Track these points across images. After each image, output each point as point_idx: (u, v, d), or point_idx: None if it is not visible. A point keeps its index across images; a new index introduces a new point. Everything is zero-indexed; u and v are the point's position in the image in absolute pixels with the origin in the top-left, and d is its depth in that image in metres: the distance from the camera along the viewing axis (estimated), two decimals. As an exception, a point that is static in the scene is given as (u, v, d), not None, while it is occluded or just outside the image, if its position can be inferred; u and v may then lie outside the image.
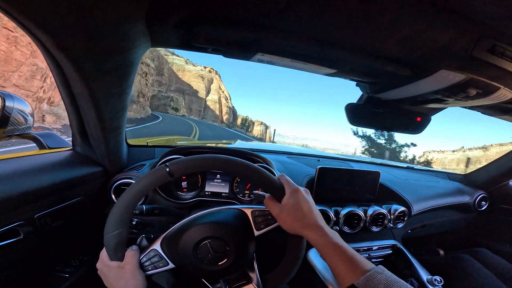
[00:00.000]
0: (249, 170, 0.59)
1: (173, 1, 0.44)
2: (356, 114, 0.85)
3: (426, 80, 0.60)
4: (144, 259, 0.61)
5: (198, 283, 0.68)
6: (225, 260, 0.62)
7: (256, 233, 0.64)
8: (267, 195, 0.63)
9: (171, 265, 0.61)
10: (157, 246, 0.62)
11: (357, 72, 0.67)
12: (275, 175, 1.01)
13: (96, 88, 0.58)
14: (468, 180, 1.65)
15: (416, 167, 1.81)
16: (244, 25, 0.49)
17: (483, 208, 1.52)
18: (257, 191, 0.69)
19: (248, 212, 0.65)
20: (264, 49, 0.57)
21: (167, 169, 0.56)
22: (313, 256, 1.01)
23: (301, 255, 0.62)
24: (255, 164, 0.61)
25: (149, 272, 0.60)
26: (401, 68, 0.58)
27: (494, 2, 0.39)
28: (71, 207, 0.79)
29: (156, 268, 0.61)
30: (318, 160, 1.57)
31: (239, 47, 0.57)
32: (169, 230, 0.64)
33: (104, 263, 0.58)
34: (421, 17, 0.43)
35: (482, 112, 0.92)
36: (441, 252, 1.55)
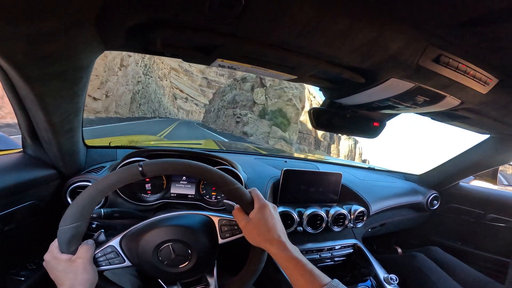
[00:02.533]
0: (223, 181, 0.61)
1: (125, 7, 0.44)
2: (319, 118, 0.91)
3: (379, 87, 0.65)
4: (99, 254, 0.61)
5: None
6: (186, 263, 0.64)
7: (221, 241, 0.67)
8: (236, 206, 0.66)
9: (127, 263, 0.62)
10: (115, 242, 0.62)
11: (317, 78, 0.71)
12: (241, 178, 1.03)
13: (44, 92, 0.57)
14: (422, 180, 1.79)
15: (376, 167, 1.94)
16: (200, 32, 0.49)
17: (435, 207, 1.66)
18: (227, 201, 0.71)
19: (216, 220, 0.68)
20: (223, 55, 0.58)
21: (140, 169, 0.56)
22: None
23: (260, 267, 0.66)
24: (218, 167, 0.63)
25: (102, 268, 0.60)
26: (356, 76, 0.63)
27: (441, 10, 0.42)
28: (23, 211, 0.76)
29: (111, 265, 0.61)
30: (286, 161, 1.63)
31: (197, 52, 0.58)
32: (132, 228, 0.64)
33: (54, 255, 0.57)
34: (372, 26, 0.47)
35: (432, 118, 1.02)
36: (399, 250, 1.68)
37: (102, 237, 0.66)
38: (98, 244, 0.62)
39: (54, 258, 0.57)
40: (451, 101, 0.72)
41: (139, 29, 0.49)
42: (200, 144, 2.00)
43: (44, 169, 0.84)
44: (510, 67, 0.59)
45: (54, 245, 0.58)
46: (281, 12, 0.43)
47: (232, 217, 0.66)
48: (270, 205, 0.64)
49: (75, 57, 0.52)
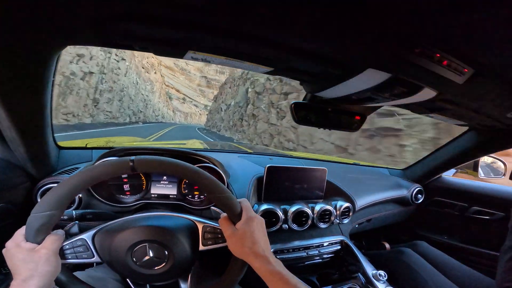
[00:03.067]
0: (214, 187, 0.61)
1: (80, 1, 0.43)
2: (301, 113, 0.91)
3: (356, 78, 0.65)
4: (67, 246, 0.59)
5: None
6: (161, 266, 0.63)
7: (201, 247, 0.66)
8: (223, 214, 0.65)
9: (96, 259, 0.60)
10: (87, 236, 0.60)
11: (294, 71, 0.70)
12: (222, 176, 1.02)
13: (2, 87, 0.55)
14: (406, 174, 1.83)
15: (361, 163, 1.97)
16: (167, 24, 0.48)
17: (419, 201, 1.69)
18: (214, 208, 0.71)
19: (200, 225, 0.67)
20: (195, 47, 0.57)
21: (131, 164, 0.55)
22: None
23: (237, 279, 0.66)
24: (198, 165, 0.62)
25: (67, 261, 0.59)
26: (333, 67, 0.63)
27: None
28: None
29: (77, 258, 0.59)
30: (271, 159, 1.63)
31: (167, 45, 0.57)
32: (109, 223, 0.63)
33: (17, 242, 0.55)
34: (348, 14, 0.46)
35: (411, 111, 1.04)
36: (387, 245, 1.70)
37: (75, 229, 0.64)
38: (69, 235, 0.61)
39: (17, 246, 0.54)
40: (427, 92, 0.73)
41: (99, 22, 0.48)
42: (185, 144, 1.98)
43: (12, 171, 0.82)
44: (484, 58, 0.60)
45: (20, 232, 0.56)
46: (248, 2, 0.42)
47: (217, 224, 0.66)
48: (258, 219, 0.65)
49: (32, 51, 0.51)
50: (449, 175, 1.81)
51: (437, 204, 1.77)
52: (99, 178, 0.56)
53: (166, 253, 0.63)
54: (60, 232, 0.59)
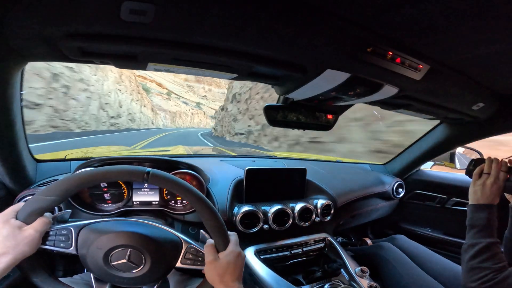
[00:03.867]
0: (212, 216, 0.64)
1: (33, 20, 0.44)
2: (273, 115, 0.95)
3: (318, 79, 0.68)
4: (51, 232, 0.61)
5: None
6: (133, 271, 0.65)
7: (178, 264, 0.68)
8: (210, 240, 0.68)
9: (72, 251, 0.62)
10: (74, 227, 0.63)
11: (258, 75, 0.73)
12: (202, 182, 1.05)
13: None
14: (387, 169, 1.88)
15: (343, 160, 2.02)
16: (120, 40, 0.50)
17: (400, 195, 1.74)
18: (204, 233, 0.73)
19: (185, 245, 0.69)
20: (154, 59, 0.59)
21: (145, 175, 0.59)
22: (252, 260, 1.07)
23: None
24: (175, 172, 0.63)
25: (44, 246, 0.60)
26: (294, 69, 0.65)
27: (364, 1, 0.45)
28: None
29: (54, 246, 0.61)
30: (253, 161, 1.66)
31: (126, 59, 0.59)
32: (100, 220, 0.66)
33: (6, 219, 0.56)
34: (295, 20, 0.49)
35: (381, 107, 1.09)
36: (369, 241, 1.73)
37: (66, 217, 0.66)
38: (56, 221, 0.63)
39: (5, 221, 0.55)
40: (389, 89, 0.77)
41: (56, 40, 0.50)
42: (169, 150, 2.00)
43: None
44: (437, 54, 0.64)
45: (13, 208, 0.58)
46: (197, 15, 0.44)
47: (201, 247, 0.69)
48: (241, 254, 0.69)
49: None
50: (428, 168, 1.87)
51: (418, 197, 1.82)
52: (110, 179, 0.60)
53: (144, 261, 0.65)
54: (48, 214, 0.61)
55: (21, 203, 0.59)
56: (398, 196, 1.73)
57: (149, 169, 0.59)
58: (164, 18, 0.44)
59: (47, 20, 0.44)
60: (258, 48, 0.56)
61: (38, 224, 0.57)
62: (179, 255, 0.68)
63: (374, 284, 1.02)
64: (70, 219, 0.67)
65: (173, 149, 2.17)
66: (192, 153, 1.67)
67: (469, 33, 0.54)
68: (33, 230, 0.56)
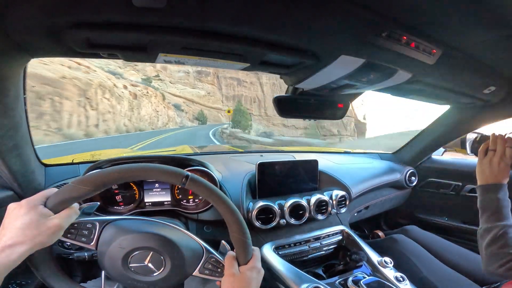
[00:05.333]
0: (239, 229, 0.64)
1: (33, 10, 0.43)
2: (284, 106, 0.96)
3: (332, 66, 0.69)
4: (76, 224, 0.60)
5: None
6: (151, 275, 0.65)
7: (196, 273, 0.68)
8: (231, 252, 0.68)
9: (91, 246, 0.61)
10: (100, 222, 0.62)
11: (270, 64, 0.74)
12: (214, 178, 1.06)
13: None
14: (397, 158, 1.89)
15: (352, 151, 2.03)
16: (131, 28, 0.49)
17: (414, 184, 1.75)
18: (225, 243, 0.73)
19: (206, 254, 0.69)
20: (165, 50, 0.58)
21: (183, 179, 0.58)
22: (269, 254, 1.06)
23: None
24: (188, 169, 0.63)
25: (64, 239, 0.59)
26: (307, 57, 0.66)
27: None
28: None
29: (75, 240, 0.60)
30: (261, 155, 1.67)
31: (136, 50, 0.58)
32: (127, 218, 0.66)
33: (35, 204, 0.53)
34: (312, 3, 0.48)
35: (392, 94, 1.10)
36: (381, 233, 1.72)
37: (92, 209, 0.65)
38: (82, 213, 0.62)
39: (33, 207, 0.52)
40: (403, 74, 0.78)
41: (62, 32, 0.49)
42: (174, 150, 2.02)
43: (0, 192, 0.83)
44: (449, 38, 0.64)
45: (44, 194, 0.56)
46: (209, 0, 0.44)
47: (221, 258, 0.68)
48: (261, 271, 0.68)
49: None
50: (439, 155, 1.88)
51: (432, 186, 1.82)
52: (149, 177, 0.59)
53: (163, 267, 0.65)
54: (76, 206, 0.58)
55: (53, 189, 0.57)
56: (411, 185, 1.73)
57: (188, 173, 0.59)
58: (177, 2, 0.44)
59: (51, 9, 0.43)
60: (271, 34, 0.56)
61: (66, 215, 0.55)
62: (199, 264, 0.68)
63: (399, 274, 1.00)
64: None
65: (179, 149, 2.18)
66: (198, 152, 1.69)
67: (481, 16, 0.54)
68: (60, 220, 0.54)
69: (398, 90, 1.02)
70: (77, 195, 0.54)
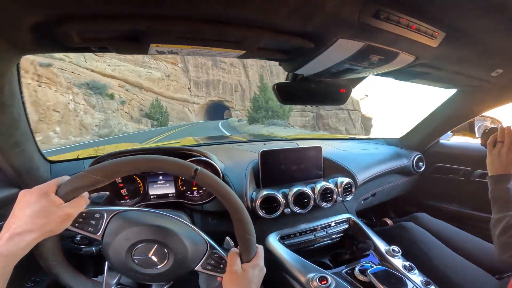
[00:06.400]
0: (245, 227, 0.65)
1: (17, 5, 0.42)
2: (284, 93, 0.96)
3: (330, 50, 0.69)
4: (84, 214, 0.61)
5: None
6: (154, 268, 0.66)
7: (198, 268, 0.69)
8: (235, 249, 0.69)
9: (97, 237, 0.62)
10: (107, 212, 0.63)
11: (267, 51, 0.74)
12: (217, 168, 1.07)
13: None
14: (403, 143, 1.86)
15: (356, 137, 2.02)
16: (121, 18, 0.48)
17: (421, 169, 1.73)
18: (229, 239, 0.74)
19: (210, 249, 0.69)
20: (157, 40, 0.57)
21: (193, 173, 0.59)
22: (275, 244, 1.08)
23: None
24: (190, 159, 0.64)
25: (72, 228, 0.59)
26: (304, 41, 0.66)
27: None
28: None
29: (82, 230, 0.61)
30: (265, 144, 1.67)
31: (127, 41, 0.58)
32: (132, 209, 0.67)
33: (47, 191, 0.53)
34: None
35: (395, 78, 1.09)
36: (389, 221, 1.72)
37: (101, 199, 0.67)
38: (91, 203, 0.63)
39: (45, 194, 0.53)
40: (406, 58, 0.77)
41: (48, 27, 0.48)
42: (178, 142, 2.04)
43: (4, 189, 0.85)
44: (452, 20, 0.63)
45: (56, 182, 0.56)
46: None
47: (224, 254, 0.69)
48: (263, 269, 0.69)
49: None
50: (446, 139, 1.86)
51: (440, 171, 1.81)
52: (158, 169, 0.60)
53: (166, 260, 0.66)
54: (86, 195, 0.59)
55: (66, 176, 0.58)
56: (418, 171, 1.72)
57: (198, 167, 0.59)
58: None
59: (33, 3, 0.43)
60: (266, 17, 0.56)
61: (77, 204, 0.56)
62: (202, 259, 0.68)
63: (408, 263, 1.00)
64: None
65: (183, 141, 2.21)
66: (202, 143, 1.71)
67: None
68: (70, 209, 0.54)
69: (401, 73, 1.02)
70: (89, 184, 0.55)
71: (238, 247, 0.68)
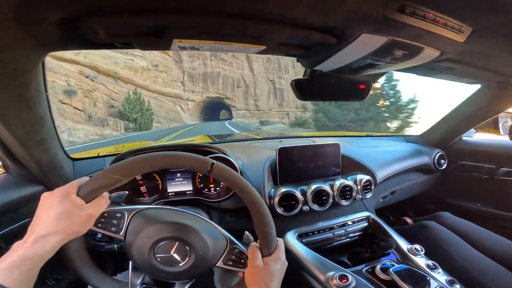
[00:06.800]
0: (264, 220, 0.65)
1: (42, 2, 0.43)
2: (303, 89, 0.96)
3: (352, 46, 0.68)
4: (106, 214, 0.62)
5: None
6: (176, 266, 0.67)
7: (219, 264, 0.69)
8: (255, 243, 0.70)
9: (120, 236, 0.64)
10: (128, 211, 0.65)
11: (287, 46, 0.73)
12: (235, 165, 1.08)
13: None
14: (424, 140, 1.83)
15: (374, 134, 1.99)
16: (145, 12, 0.49)
17: (443, 167, 1.69)
18: (248, 233, 0.74)
19: (230, 245, 0.70)
20: (179, 35, 0.58)
21: (209, 167, 0.59)
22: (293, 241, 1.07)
23: None
24: (210, 156, 0.63)
25: (95, 228, 0.61)
26: (326, 36, 0.66)
27: None
28: (22, 228, 0.81)
29: (105, 230, 0.62)
30: (280, 141, 1.68)
31: (150, 37, 0.59)
32: (151, 207, 0.68)
33: (68, 192, 0.55)
34: None
35: (417, 74, 1.07)
36: (409, 220, 1.68)
37: (121, 198, 0.68)
38: (111, 203, 0.64)
39: (66, 196, 0.54)
40: (430, 53, 0.76)
41: (73, 22, 0.50)
42: (193, 140, 2.08)
43: (29, 186, 0.88)
44: (479, 15, 0.62)
45: (76, 183, 0.58)
46: None
47: (245, 249, 0.70)
48: (285, 263, 0.69)
49: (9, 61, 0.53)
50: (470, 136, 1.81)
51: (463, 169, 1.76)
52: (175, 166, 0.60)
53: (187, 257, 0.67)
54: (106, 195, 0.60)
55: (85, 178, 0.59)
56: (440, 168, 1.68)
57: (213, 161, 0.60)
58: None
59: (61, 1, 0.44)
60: (288, 11, 0.56)
61: (98, 204, 0.57)
62: (222, 255, 0.69)
63: (431, 262, 0.97)
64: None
65: (198, 139, 2.24)
66: (217, 141, 1.73)
67: None
68: (92, 209, 0.55)
69: (424, 69, 1.00)
70: (108, 183, 0.56)
71: (258, 241, 0.68)
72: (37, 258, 0.49)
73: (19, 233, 0.79)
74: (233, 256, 0.69)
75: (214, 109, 49.10)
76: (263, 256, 0.67)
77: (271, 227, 0.66)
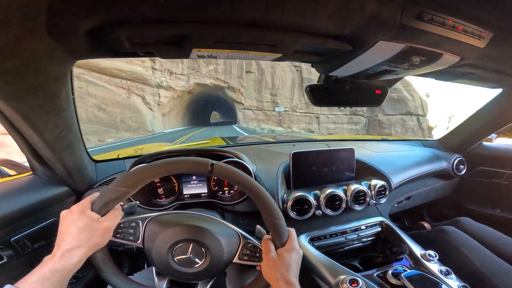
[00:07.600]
0: (272, 212, 0.67)
1: (74, 10, 0.46)
2: (318, 94, 0.96)
3: (368, 53, 0.68)
4: (122, 224, 0.66)
5: None
6: (195, 266, 0.70)
7: (235, 260, 0.72)
8: (267, 235, 0.71)
9: (139, 244, 0.68)
10: (142, 220, 0.68)
11: (303, 53, 0.75)
12: (250, 170, 1.10)
13: (25, 109, 0.62)
14: (443, 144, 1.80)
15: (390, 138, 1.96)
16: (167, 23, 0.52)
17: (462, 172, 1.66)
18: (260, 227, 0.76)
19: (243, 240, 0.73)
20: (198, 45, 0.61)
21: (210, 167, 0.62)
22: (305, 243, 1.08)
23: None
24: (224, 161, 0.66)
25: (115, 239, 0.65)
26: (342, 44, 0.66)
27: None
28: (47, 228, 0.86)
29: (124, 239, 0.66)
30: (294, 145, 1.68)
31: (171, 46, 0.61)
32: (166, 213, 0.72)
33: (83, 209, 0.59)
34: None
35: (436, 78, 1.06)
36: (427, 225, 1.66)
37: (134, 208, 0.72)
38: (125, 214, 0.68)
39: (82, 212, 0.58)
40: (450, 58, 0.75)
41: (100, 32, 0.53)
42: (208, 142, 2.12)
43: (55, 187, 0.94)
44: (500, 20, 0.61)
45: (89, 200, 0.62)
46: None
47: (258, 243, 0.72)
48: (299, 252, 0.70)
49: (41, 69, 0.56)
50: (490, 142, 1.77)
51: (482, 175, 1.73)
52: (177, 171, 0.64)
53: (204, 257, 0.70)
54: (119, 207, 0.64)
55: (97, 193, 0.64)
56: (459, 174, 1.65)
57: (213, 161, 0.63)
58: None
59: (89, 8, 0.47)
60: (305, 20, 0.56)
61: (111, 217, 0.61)
62: (237, 251, 0.71)
63: (444, 268, 0.96)
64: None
65: (212, 141, 2.28)
66: (231, 143, 1.76)
67: None
68: (107, 222, 0.60)
69: (443, 74, 0.99)
70: (118, 196, 0.61)
71: (270, 233, 0.70)
72: (66, 271, 0.54)
73: (45, 233, 0.85)
74: (248, 251, 0.72)
75: (208, 107, 34.07)
76: (276, 248, 0.69)
77: (280, 218, 0.67)
